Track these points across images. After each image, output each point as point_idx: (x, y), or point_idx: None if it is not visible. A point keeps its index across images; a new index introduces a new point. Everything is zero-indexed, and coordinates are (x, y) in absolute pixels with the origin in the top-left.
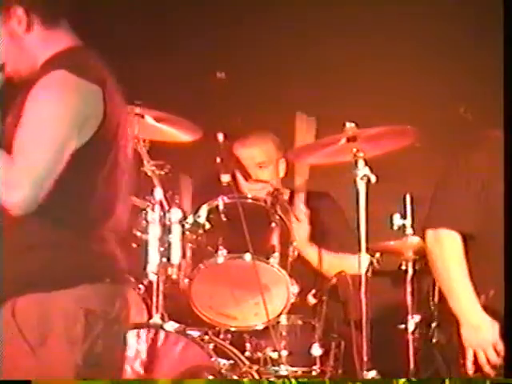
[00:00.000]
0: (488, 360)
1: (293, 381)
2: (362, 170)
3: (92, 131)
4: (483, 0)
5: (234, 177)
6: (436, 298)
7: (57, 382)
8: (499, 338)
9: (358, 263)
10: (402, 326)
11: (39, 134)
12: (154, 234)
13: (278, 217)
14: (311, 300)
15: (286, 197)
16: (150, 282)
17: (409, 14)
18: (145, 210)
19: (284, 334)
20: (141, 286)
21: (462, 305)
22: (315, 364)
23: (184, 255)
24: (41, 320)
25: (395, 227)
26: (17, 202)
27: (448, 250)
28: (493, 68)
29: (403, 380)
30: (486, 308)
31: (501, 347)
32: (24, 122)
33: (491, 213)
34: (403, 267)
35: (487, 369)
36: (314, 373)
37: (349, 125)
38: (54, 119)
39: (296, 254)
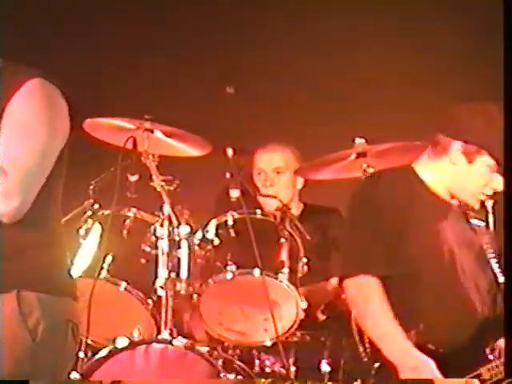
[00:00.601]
0: None
1: None
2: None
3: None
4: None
5: (243, 192)
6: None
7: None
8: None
9: None
10: None
11: (28, 142)
12: (162, 249)
13: (287, 232)
14: (320, 316)
15: (300, 210)
16: (159, 297)
17: (416, 30)
18: (153, 225)
19: (293, 350)
20: (149, 301)
21: (395, 349)
22: (324, 380)
23: (192, 270)
24: None
25: None
26: (10, 211)
27: (371, 296)
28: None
29: None
30: (419, 343)
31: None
32: (8, 130)
33: (402, 253)
34: None
35: None
36: None
37: (358, 140)
38: (40, 125)
39: (305, 269)
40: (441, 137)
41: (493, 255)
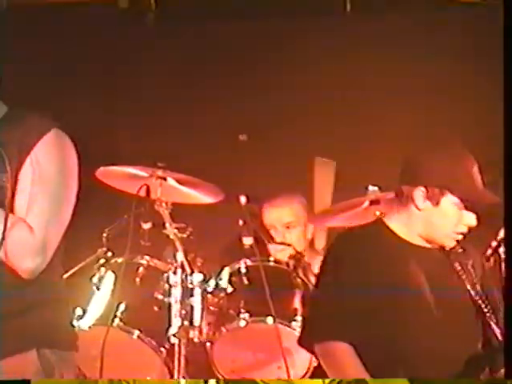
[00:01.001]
0: None
1: None
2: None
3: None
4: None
5: (256, 240)
6: None
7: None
8: None
9: None
10: None
11: (51, 197)
12: (175, 297)
13: (300, 280)
14: None
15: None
16: (172, 345)
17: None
18: (167, 272)
19: None
20: (162, 349)
21: None
22: None
23: (205, 318)
24: None
25: None
26: (31, 268)
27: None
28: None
29: None
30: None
31: None
32: (31, 185)
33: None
34: None
35: None
36: None
37: (371, 188)
38: (62, 178)
39: None
40: (404, 187)
41: (479, 296)
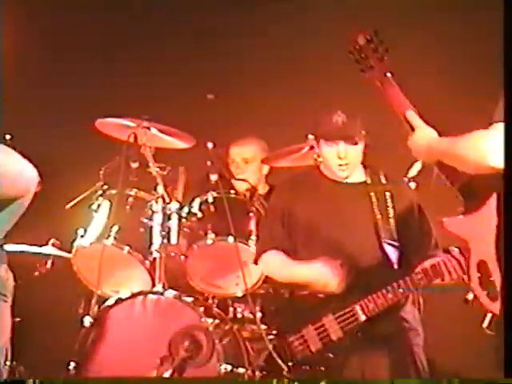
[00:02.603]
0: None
1: None
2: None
3: None
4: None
5: (220, 176)
6: None
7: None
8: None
9: None
10: None
11: None
12: (157, 221)
13: (254, 208)
14: None
15: (266, 191)
16: (154, 259)
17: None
18: (150, 202)
19: (259, 299)
20: (147, 261)
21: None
22: None
23: (180, 237)
24: None
25: None
26: None
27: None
28: None
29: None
30: None
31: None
32: None
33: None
34: None
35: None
36: None
37: (311, 136)
38: None
39: None
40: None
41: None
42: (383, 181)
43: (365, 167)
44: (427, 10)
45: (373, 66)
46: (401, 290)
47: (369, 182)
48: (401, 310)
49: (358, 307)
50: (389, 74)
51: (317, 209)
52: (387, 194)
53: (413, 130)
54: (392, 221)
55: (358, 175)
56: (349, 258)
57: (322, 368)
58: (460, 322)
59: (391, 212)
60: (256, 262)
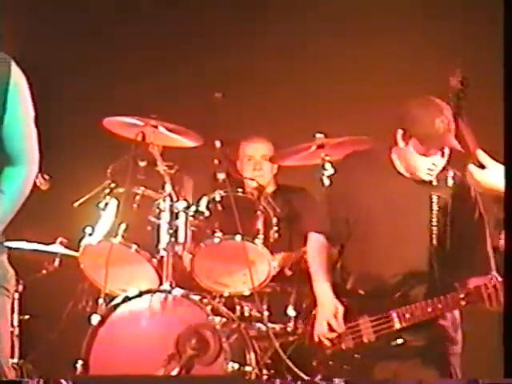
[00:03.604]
0: (331, 328)
1: None
2: (329, 170)
3: None
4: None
5: (227, 175)
6: None
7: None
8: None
9: None
10: None
11: None
12: (164, 219)
13: (261, 207)
14: (287, 272)
15: (273, 189)
16: (162, 257)
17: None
18: (157, 200)
19: (266, 298)
20: (154, 260)
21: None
22: (290, 322)
23: (188, 236)
24: None
25: None
26: None
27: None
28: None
29: None
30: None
31: (335, 325)
32: None
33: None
34: None
35: (330, 336)
36: (288, 329)
37: (318, 135)
38: None
39: (276, 236)
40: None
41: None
42: (450, 183)
43: None
44: None
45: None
46: (439, 306)
47: (434, 183)
48: (440, 318)
49: (394, 314)
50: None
51: (375, 197)
52: (449, 200)
53: (482, 167)
54: (448, 228)
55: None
56: (397, 259)
57: (347, 367)
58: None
59: (449, 219)
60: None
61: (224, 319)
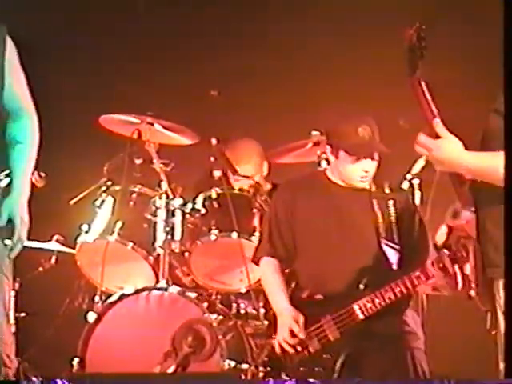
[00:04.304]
0: (293, 334)
1: None
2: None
3: None
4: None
5: (223, 172)
6: None
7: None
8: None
9: None
10: None
11: None
12: (160, 216)
13: (258, 204)
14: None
15: (268, 188)
16: (158, 255)
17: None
18: (154, 198)
19: (262, 295)
20: (151, 257)
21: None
22: None
23: (184, 233)
24: None
25: None
26: None
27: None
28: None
29: None
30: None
31: (296, 330)
32: None
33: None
34: None
35: (293, 342)
36: None
37: (314, 132)
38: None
39: None
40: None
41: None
42: (387, 191)
43: None
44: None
45: (418, 67)
46: (398, 289)
47: (373, 189)
48: (402, 313)
49: (356, 306)
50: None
51: (318, 212)
52: (390, 202)
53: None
54: (393, 225)
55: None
56: (348, 260)
57: (320, 369)
58: (462, 322)
59: (393, 217)
60: (257, 264)
61: (220, 316)
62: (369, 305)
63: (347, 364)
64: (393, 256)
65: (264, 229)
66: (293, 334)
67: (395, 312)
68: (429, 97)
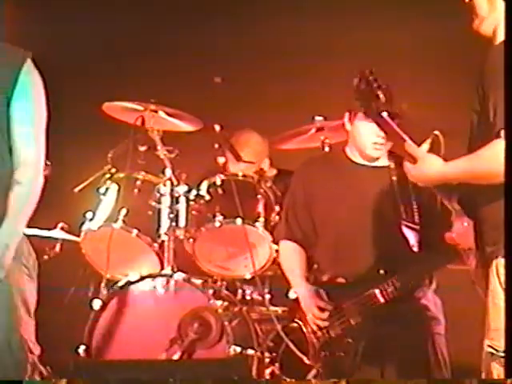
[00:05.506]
0: (318, 317)
1: None
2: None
3: None
4: None
5: (228, 159)
6: None
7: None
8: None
9: None
10: None
11: None
12: (165, 203)
13: (262, 190)
14: None
15: (273, 174)
16: (163, 241)
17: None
18: (158, 185)
19: (267, 281)
20: (155, 244)
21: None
22: (292, 305)
23: (188, 220)
24: None
25: None
26: None
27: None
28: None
29: None
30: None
31: (323, 304)
32: None
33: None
34: None
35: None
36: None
37: (317, 118)
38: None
39: (277, 219)
40: None
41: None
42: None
43: (389, 153)
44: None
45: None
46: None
47: (392, 166)
48: (422, 297)
49: (377, 291)
50: (384, 113)
51: (338, 193)
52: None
53: (415, 161)
54: (414, 203)
55: (382, 160)
56: (369, 243)
57: (341, 353)
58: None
59: (413, 197)
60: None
61: (226, 303)
62: (390, 289)
63: (368, 348)
64: (413, 238)
65: (282, 212)
66: (321, 309)
67: (414, 297)
68: (393, 124)
